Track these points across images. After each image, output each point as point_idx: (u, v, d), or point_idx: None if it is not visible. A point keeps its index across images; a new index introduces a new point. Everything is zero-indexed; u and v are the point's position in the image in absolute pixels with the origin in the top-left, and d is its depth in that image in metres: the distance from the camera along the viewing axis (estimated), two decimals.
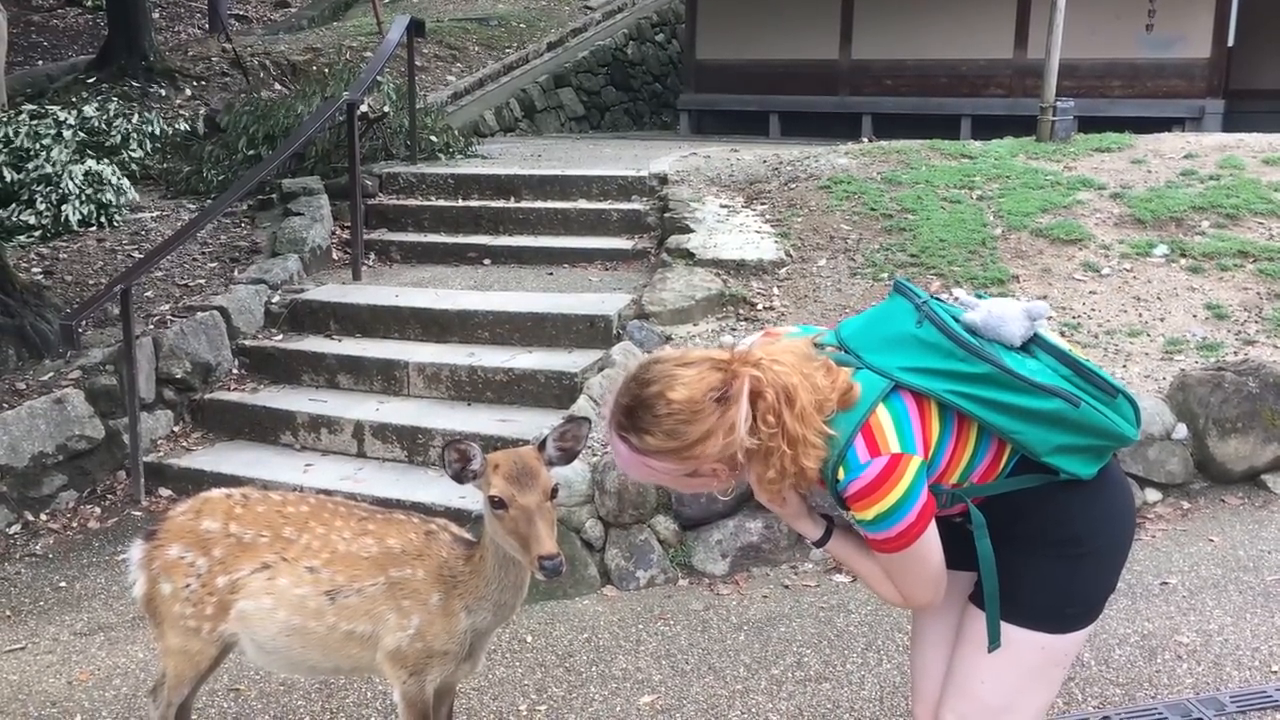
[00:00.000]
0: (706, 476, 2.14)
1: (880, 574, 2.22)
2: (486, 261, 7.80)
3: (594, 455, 4.96)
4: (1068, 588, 2.23)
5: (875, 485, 2.04)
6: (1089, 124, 9.91)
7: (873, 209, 7.33)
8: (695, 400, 2.04)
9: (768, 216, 7.45)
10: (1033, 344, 2.20)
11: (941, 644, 2.45)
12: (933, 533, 2.12)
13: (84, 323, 6.19)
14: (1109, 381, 2.19)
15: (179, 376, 6.44)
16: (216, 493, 3.15)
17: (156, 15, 15.73)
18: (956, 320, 2.18)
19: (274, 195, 8.46)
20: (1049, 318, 2.09)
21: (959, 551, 2.23)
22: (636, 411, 2.08)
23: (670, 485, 2.24)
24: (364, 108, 8.53)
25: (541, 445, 2.69)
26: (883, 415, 2.07)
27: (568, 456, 2.72)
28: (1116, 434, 2.17)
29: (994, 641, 2.24)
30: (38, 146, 8.62)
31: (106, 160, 8.87)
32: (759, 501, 2.24)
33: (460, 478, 2.64)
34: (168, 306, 6.90)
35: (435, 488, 5.49)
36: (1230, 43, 12.19)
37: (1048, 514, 2.21)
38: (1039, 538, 2.22)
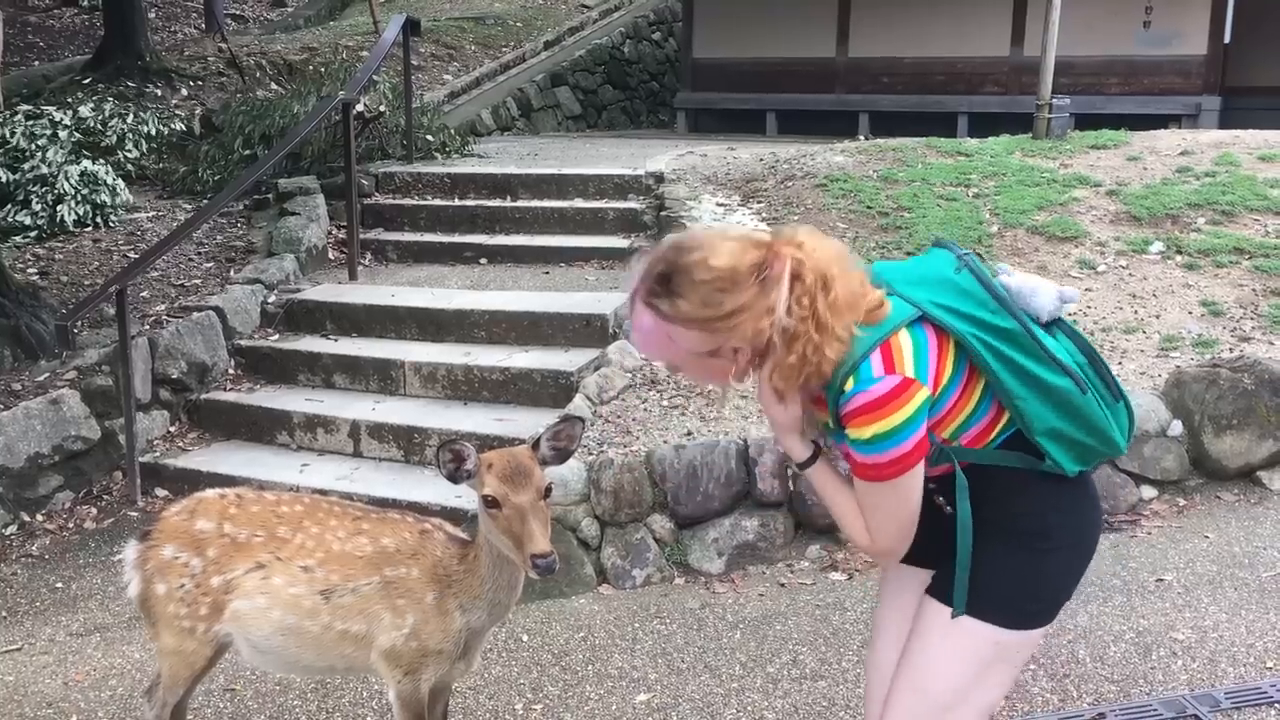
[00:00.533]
0: (724, 360, 2.10)
1: (854, 510, 2.17)
2: (483, 261, 7.80)
3: (590, 454, 4.96)
4: (1030, 582, 2.19)
5: (881, 403, 2.01)
6: (1085, 121, 9.93)
7: (869, 207, 7.33)
8: (737, 270, 2.01)
9: (764, 215, 7.45)
10: (1056, 325, 2.22)
11: (898, 644, 2.38)
12: (919, 474, 2.09)
13: (80, 323, 6.19)
14: (1117, 384, 2.20)
15: (175, 377, 6.44)
16: (211, 493, 3.15)
17: (152, 15, 15.74)
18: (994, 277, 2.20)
19: (270, 195, 8.45)
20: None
21: (922, 545, 2.20)
22: (673, 277, 2.04)
23: (684, 366, 2.18)
24: (360, 107, 8.54)
25: (535, 444, 2.69)
26: (903, 338, 2.06)
27: (562, 456, 2.72)
28: (1108, 436, 2.17)
29: (959, 608, 2.19)
30: (33, 147, 8.62)
31: (102, 160, 8.87)
32: (762, 402, 2.18)
33: (455, 478, 2.64)
34: (164, 307, 6.90)
35: (431, 487, 5.49)
36: (1226, 39, 12.19)
37: (1022, 502, 2.19)
38: (1009, 526, 2.18)
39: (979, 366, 2.10)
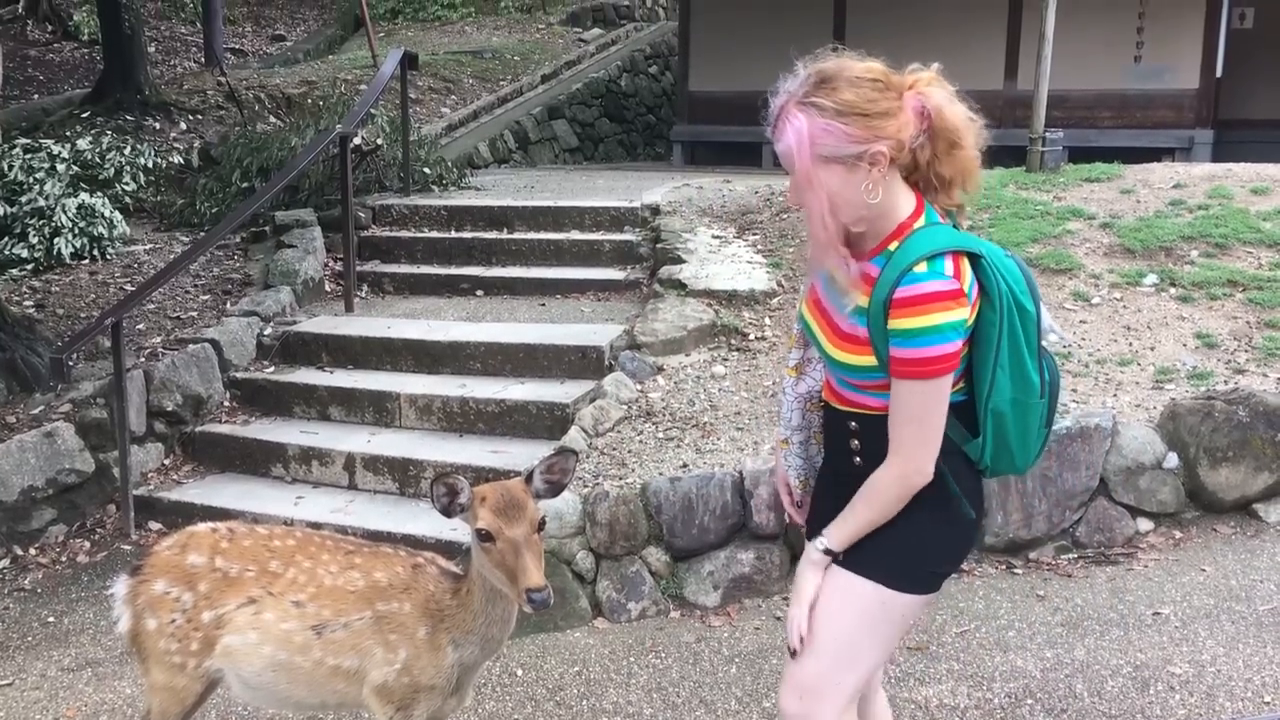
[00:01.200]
0: (860, 175, 2.20)
1: (868, 487, 2.31)
2: (479, 293, 7.81)
3: (585, 486, 4.95)
4: (919, 548, 2.36)
5: (937, 298, 2.14)
6: (1079, 154, 9.98)
7: None
8: (889, 75, 2.23)
9: (759, 247, 7.48)
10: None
11: None
12: (949, 386, 2.23)
13: (75, 356, 6.19)
14: (1052, 418, 2.42)
15: (170, 409, 6.43)
16: (202, 527, 3.14)
17: (152, 49, 15.82)
18: None
19: (267, 227, 8.47)
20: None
21: (831, 515, 2.40)
22: (834, 77, 2.22)
23: (834, 180, 2.23)
24: (358, 140, 8.58)
25: (529, 477, 2.69)
26: (966, 264, 2.22)
27: (555, 489, 2.72)
28: (1026, 447, 2.36)
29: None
30: (31, 180, 8.64)
31: (100, 193, 8.89)
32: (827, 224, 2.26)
33: (448, 511, 2.63)
34: (159, 339, 6.90)
35: (426, 520, 5.47)
36: (1219, 73, 12.28)
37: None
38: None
39: (986, 328, 2.25)
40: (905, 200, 2.29)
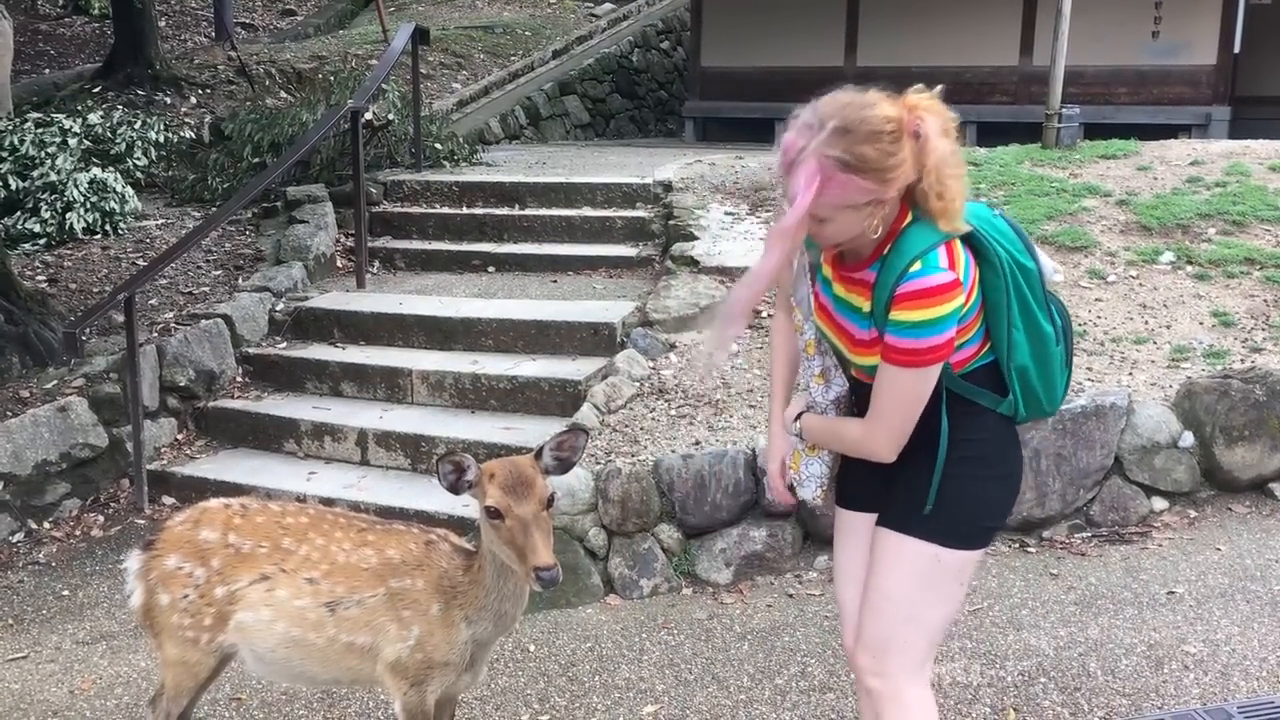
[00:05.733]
0: (867, 212, 2.25)
1: (850, 421, 2.45)
2: (490, 269, 7.79)
3: (597, 464, 4.94)
4: (968, 506, 2.45)
5: (936, 292, 2.22)
6: (1095, 130, 9.88)
7: None
8: (902, 121, 2.21)
9: (772, 224, 7.43)
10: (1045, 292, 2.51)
11: (856, 581, 2.65)
12: (937, 374, 2.31)
13: (88, 331, 6.20)
14: (1071, 356, 2.55)
15: (183, 384, 6.44)
16: (215, 502, 3.13)
17: (163, 24, 15.78)
18: None
19: (278, 203, 8.46)
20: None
21: (866, 489, 2.57)
22: (854, 130, 2.19)
23: (841, 218, 2.26)
24: (369, 115, 8.55)
25: (538, 454, 2.67)
26: (958, 247, 2.30)
27: (564, 466, 2.71)
28: (1053, 393, 2.48)
29: (930, 506, 2.43)
30: (43, 154, 8.64)
31: (111, 168, 8.89)
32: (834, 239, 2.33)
33: (456, 489, 2.62)
34: (172, 314, 6.90)
35: (439, 496, 5.47)
36: (1236, 50, 12.14)
37: (970, 430, 2.43)
38: (955, 454, 2.41)
39: (993, 293, 2.34)
40: (894, 210, 2.32)
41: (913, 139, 2.21)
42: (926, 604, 2.49)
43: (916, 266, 2.23)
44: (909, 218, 2.31)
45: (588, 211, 8.20)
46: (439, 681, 2.84)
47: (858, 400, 2.53)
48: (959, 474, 2.42)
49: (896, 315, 2.25)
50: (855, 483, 2.62)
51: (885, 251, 2.30)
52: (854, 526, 2.68)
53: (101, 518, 5.89)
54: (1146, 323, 6.11)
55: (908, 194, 2.29)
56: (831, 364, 2.54)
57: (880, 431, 2.38)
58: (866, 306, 2.34)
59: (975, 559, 2.53)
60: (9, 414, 5.80)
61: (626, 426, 5.29)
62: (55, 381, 6.16)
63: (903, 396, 2.32)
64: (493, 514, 2.56)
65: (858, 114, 2.21)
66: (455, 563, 2.85)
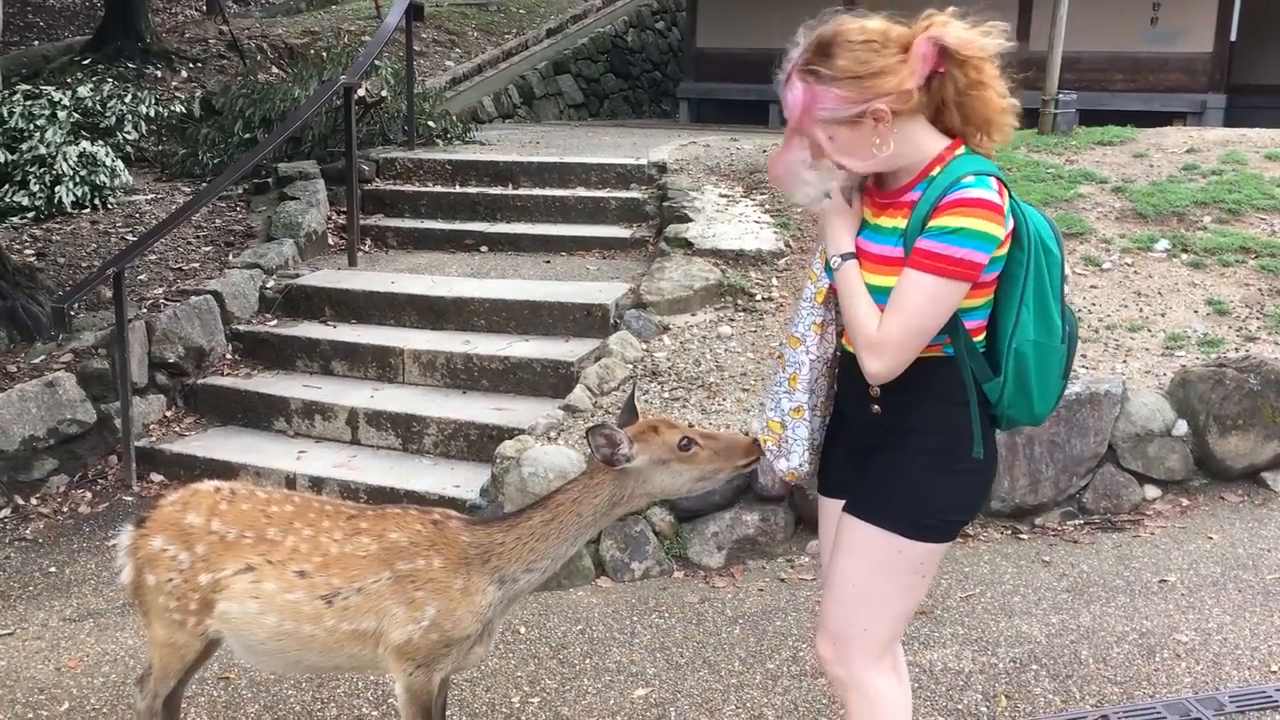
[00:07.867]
0: (866, 130, 2.25)
1: (872, 311, 2.30)
2: (483, 249, 7.74)
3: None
4: (930, 498, 2.40)
5: (984, 204, 2.20)
6: (1090, 116, 9.85)
7: None
8: (887, 33, 2.25)
9: (767, 206, 7.40)
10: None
11: None
12: (958, 297, 2.25)
13: (76, 305, 6.14)
14: (1070, 369, 2.47)
15: (172, 361, 6.39)
16: (207, 485, 3.08)
17: None
18: None
19: (270, 179, 8.39)
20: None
21: (840, 474, 2.55)
22: (831, 43, 2.26)
23: (840, 135, 2.29)
24: (361, 92, 8.46)
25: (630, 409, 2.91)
26: (1007, 193, 2.29)
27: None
28: (1044, 395, 2.38)
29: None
30: (32, 127, 8.54)
31: (101, 142, 8.79)
32: (849, 160, 2.32)
33: (612, 460, 2.75)
34: (161, 290, 6.85)
35: (430, 476, 5.45)
36: (1233, 37, 12.14)
37: (945, 419, 2.39)
38: (923, 443, 2.39)
39: (1013, 266, 2.31)
40: (934, 140, 2.33)
41: (927, 60, 2.22)
42: (886, 594, 2.47)
43: (970, 179, 2.22)
44: (963, 149, 2.32)
45: (581, 192, 8.15)
46: (451, 659, 2.83)
47: (845, 379, 2.51)
48: (927, 465, 2.38)
49: (937, 221, 2.22)
50: (835, 469, 2.60)
51: (933, 173, 2.29)
52: (835, 514, 2.64)
53: (89, 494, 5.85)
54: (1141, 310, 6.10)
55: (952, 119, 2.31)
56: (833, 322, 2.49)
57: (886, 336, 2.26)
58: (903, 225, 2.29)
59: (939, 551, 2.49)
60: None
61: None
62: (43, 356, 6.11)
63: (917, 307, 2.24)
64: (685, 446, 2.73)
65: (834, 28, 2.27)
66: (477, 534, 2.85)
